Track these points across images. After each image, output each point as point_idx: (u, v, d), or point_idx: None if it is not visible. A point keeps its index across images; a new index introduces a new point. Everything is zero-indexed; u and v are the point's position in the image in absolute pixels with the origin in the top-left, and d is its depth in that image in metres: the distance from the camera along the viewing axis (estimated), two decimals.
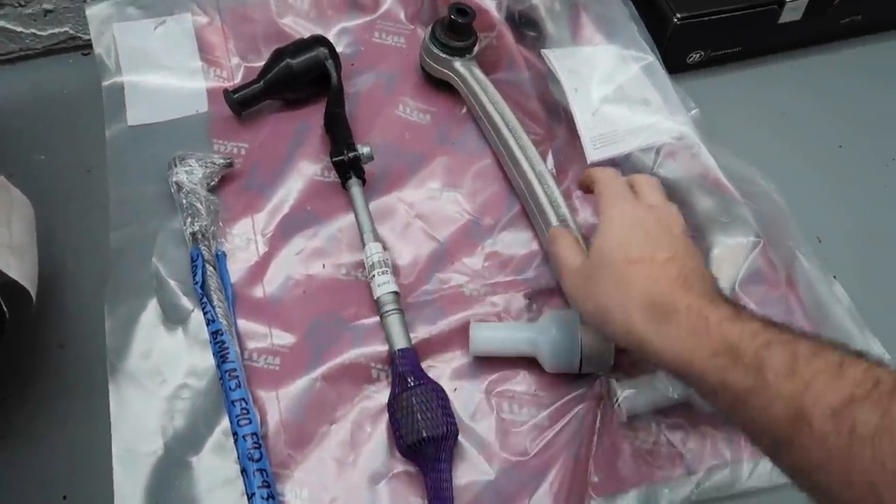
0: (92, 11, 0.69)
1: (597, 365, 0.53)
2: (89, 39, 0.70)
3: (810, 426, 0.30)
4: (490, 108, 0.64)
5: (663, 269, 0.41)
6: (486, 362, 0.56)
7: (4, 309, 0.46)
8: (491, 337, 0.55)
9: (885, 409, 0.28)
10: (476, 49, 0.67)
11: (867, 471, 0.27)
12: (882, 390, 0.28)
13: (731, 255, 0.56)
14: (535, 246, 0.62)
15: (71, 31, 0.72)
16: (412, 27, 0.75)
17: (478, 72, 0.66)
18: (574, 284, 0.46)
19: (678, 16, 0.70)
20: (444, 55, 0.67)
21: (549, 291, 0.59)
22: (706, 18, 0.70)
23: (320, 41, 0.69)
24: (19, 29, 0.70)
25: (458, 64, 0.66)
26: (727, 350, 0.34)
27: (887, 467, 0.27)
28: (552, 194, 0.59)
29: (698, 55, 0.74)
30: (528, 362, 0.56)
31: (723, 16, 0.71)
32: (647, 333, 0.39)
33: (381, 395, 0.55)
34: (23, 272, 0.48)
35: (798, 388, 0.30)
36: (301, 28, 0.73)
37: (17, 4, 0.68)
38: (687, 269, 0.41)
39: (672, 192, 0.60)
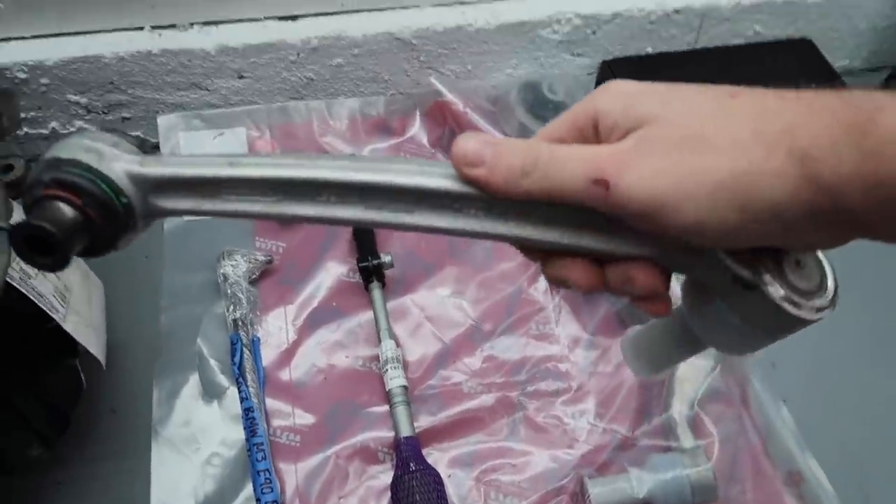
0: (163, 120, 0.81)
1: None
2: (156, 143, 0.81)
3: None
4: None
5: (780, 95, 0.28)
6: (478, 455, 0.65)
7: (83, 378, 0.55)
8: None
9: None
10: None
11: None
12: None
13: (693, 376, 0.65)
14: (528, 352, 0.71)
15: (141, 135, 0.84)
16: (433, 150, 0.87)
17: None
18: (641, 165, 0.27)
19: None
20: None
21: (537, 393, 0.68)
22: None
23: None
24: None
25: None
26: None
27: None
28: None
29: None
30: (514, 457, 0.64)
31: None
32: (841, 157, 0.25)
33: (385, 475, 0.63)
34: (98, 346, 0.57)
35: None
36: (338, 146, 0.85)
37: (101, 112, 0.80)
38: None
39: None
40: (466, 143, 0.30)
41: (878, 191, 0.25)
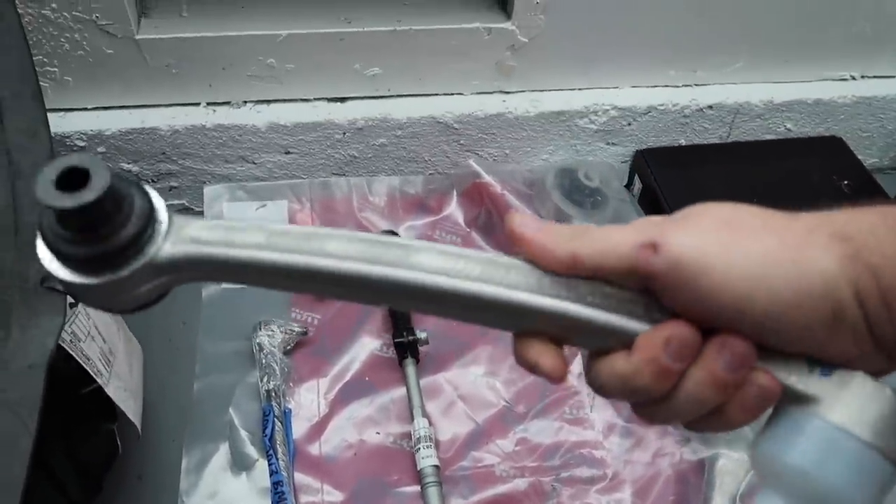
0: (209, 190, 0.84)
1: None
2: (200, 211, 0.84)
3: None
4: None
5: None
6: None
7: (119, 444, 0.55)
8: None
9: None
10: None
11: None
12: None
13: (734, 469, 0.64)
14: (561, 437, 0.70)
15: (186, 203, 0.87)
16: (468, 230, 0.88)
17: None
18: (689, 229, 0.28)
19: None
20: None
21: (571, 480, 0.67)
22: None
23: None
24: None
25: None
26: None
27: None
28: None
29: None
30: None
31: None
32: (879, 239, 0.27)
33: None
34: (135, 412, 0.57)
35: None
36: (376, 221, 0.86)
37: (150, 181, 0.83)
38: None
39: None
40: (523, 214, 0.31)
41: None
